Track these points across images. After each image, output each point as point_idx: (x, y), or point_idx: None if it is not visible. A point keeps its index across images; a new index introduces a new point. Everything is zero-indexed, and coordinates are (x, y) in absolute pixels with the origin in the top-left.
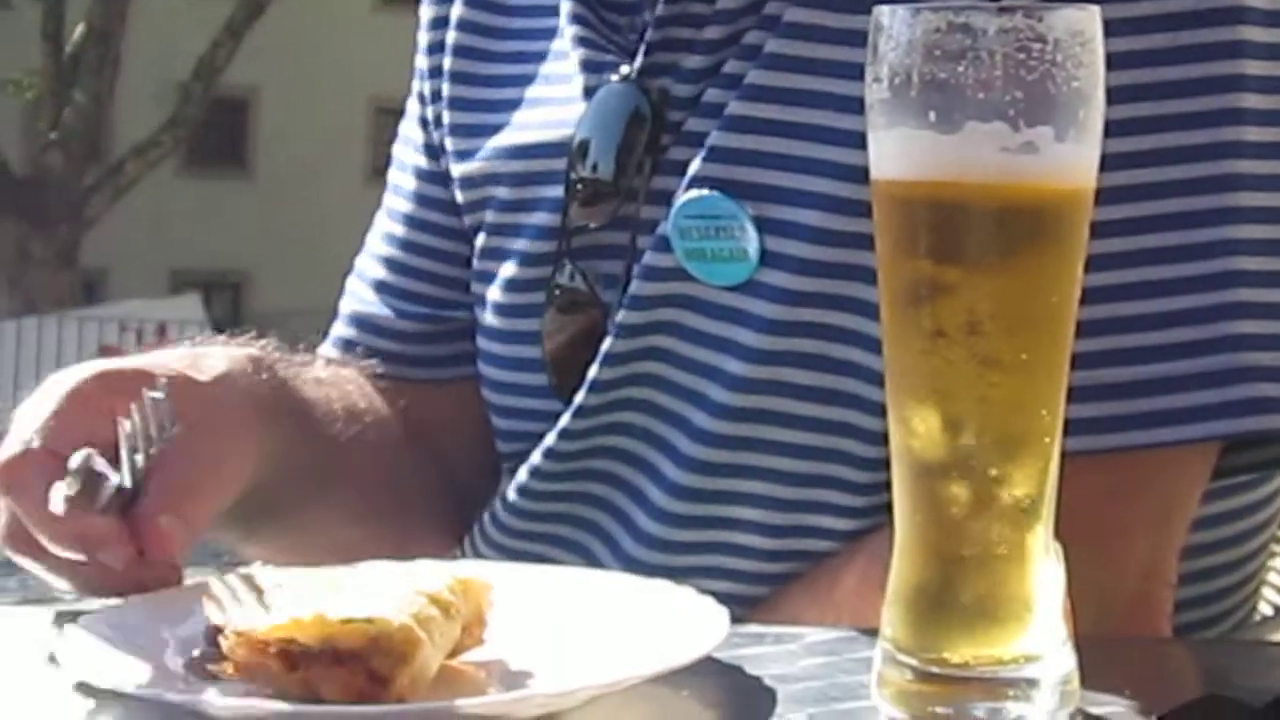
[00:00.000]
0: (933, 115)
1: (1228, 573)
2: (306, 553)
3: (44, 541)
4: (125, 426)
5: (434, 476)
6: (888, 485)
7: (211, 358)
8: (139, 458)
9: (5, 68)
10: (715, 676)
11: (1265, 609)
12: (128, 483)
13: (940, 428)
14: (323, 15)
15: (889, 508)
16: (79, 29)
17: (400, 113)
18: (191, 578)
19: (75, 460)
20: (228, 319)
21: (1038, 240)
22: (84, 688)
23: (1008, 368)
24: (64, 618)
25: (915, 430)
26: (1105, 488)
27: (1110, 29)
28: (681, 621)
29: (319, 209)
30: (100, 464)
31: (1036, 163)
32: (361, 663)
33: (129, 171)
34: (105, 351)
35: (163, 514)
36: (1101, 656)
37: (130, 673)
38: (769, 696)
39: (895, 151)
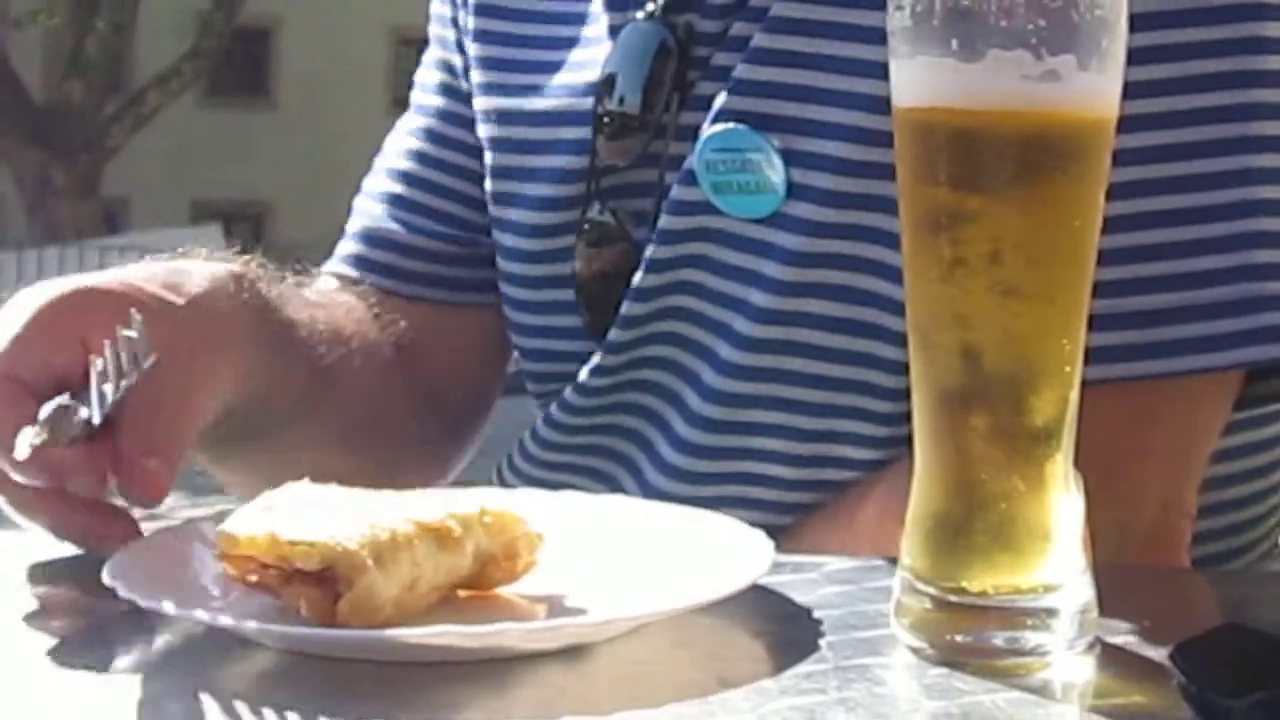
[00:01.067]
0: (955, 43)
1: (1249, 505)
2: (284, 480)
3: (9, 472)
4: (97, 365)
5: (423, 406)
6: (909, 416)
7: (192, 275)
8: (109, 388)
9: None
10: (747, 610)
11: None
12: (96, 419)
13: (960, 356)
14: None
15: (910, 439)
16: None
17: (421, 42)
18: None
19: (45, 411)
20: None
21: (1059, 169)
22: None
23: (1028, 296)
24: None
25: (935, 359)
26: (1124, 417)
27: None
28: (724, 550)
29: (340, 140)
30: (65, 398)
31: (1059, 91)
32: (331, 585)
33: (150, 101)
34: None
35: (145, 455)
36: (1119, 586)
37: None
38: (806, 622)
39: (917, 79)
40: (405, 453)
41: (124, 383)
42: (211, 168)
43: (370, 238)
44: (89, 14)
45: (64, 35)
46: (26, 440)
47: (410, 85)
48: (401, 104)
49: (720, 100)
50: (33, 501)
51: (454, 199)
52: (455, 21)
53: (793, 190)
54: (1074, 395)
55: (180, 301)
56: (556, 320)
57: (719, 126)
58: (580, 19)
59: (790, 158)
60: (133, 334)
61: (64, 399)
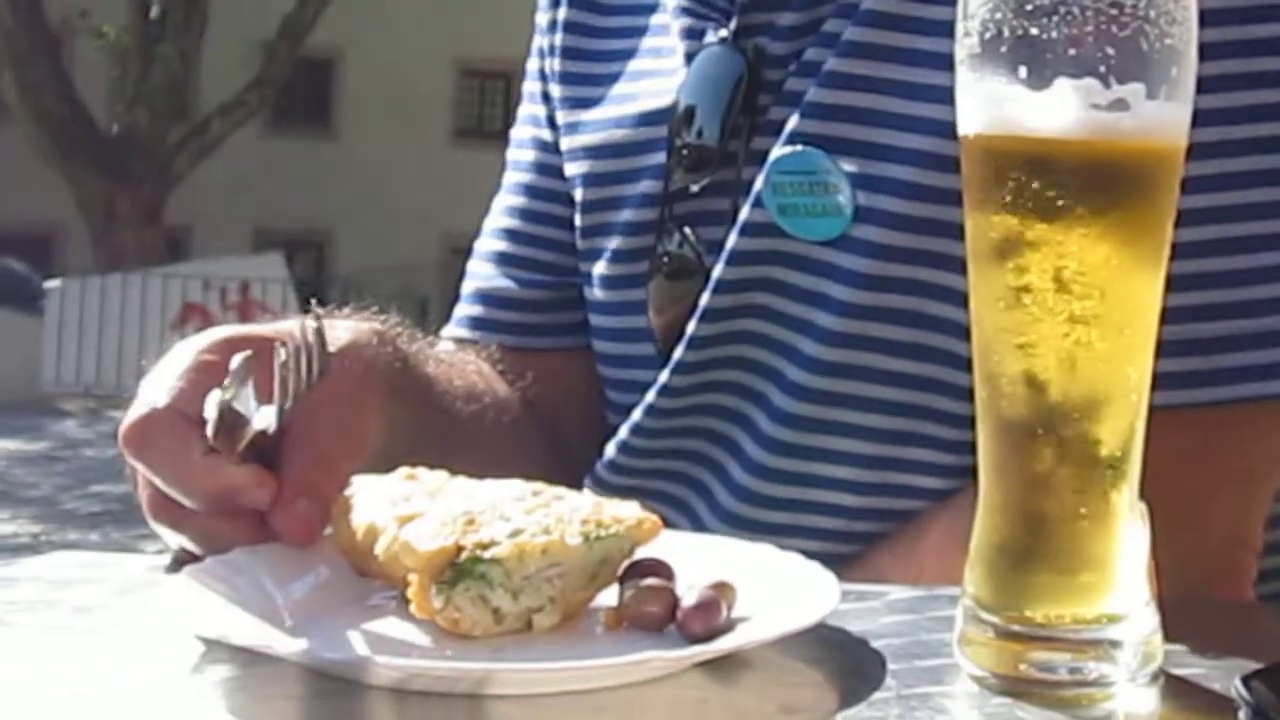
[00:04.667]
0: (1023, 71)
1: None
2: None
3: (182, 498)
4: (280, 354)
5: (551, 453)
6: (974, 446)
7: (336, 329)
8: (290, 391)
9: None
10: (806, 639)
11: None
12: (274, 425)
13: (1025, 384)
14: None
15: (976, 468)
16: None
17: (484, 74)
18: None
19: (235, 362)
20: (310, 278)
21: (1127, 198)
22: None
23: (1094, 324)
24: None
25: (1000, 387)
26: (1188, 448)
27: None
28: (791, 586)
29: (402, 169)
30: (241, 406)
31: (1128, 120)
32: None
33: (214, 130)
34: (189, 309)
35: (300, 496)
36: (1184, 618)
37: (237, 623)
38: (868, 651)
39: (984, 106)
40: None
41: (301, 389)
42: (274, 196)
43: (484, 298)
44: (154, 42)
45: (130, 64)
46: (214, 400)
47: (472, 117)
48: (463, 134)
49: (791, 123)
50: (208, 533)
51: (554, 248)
52: (542, 73)
53: (860, 213)
54: (1140, 425)
55: (332, 349)
56: (633, 348)
57: (787, 149)
58: (655, 52)
59: (858, 181)
60: (316, 325)
61: (249, 355)
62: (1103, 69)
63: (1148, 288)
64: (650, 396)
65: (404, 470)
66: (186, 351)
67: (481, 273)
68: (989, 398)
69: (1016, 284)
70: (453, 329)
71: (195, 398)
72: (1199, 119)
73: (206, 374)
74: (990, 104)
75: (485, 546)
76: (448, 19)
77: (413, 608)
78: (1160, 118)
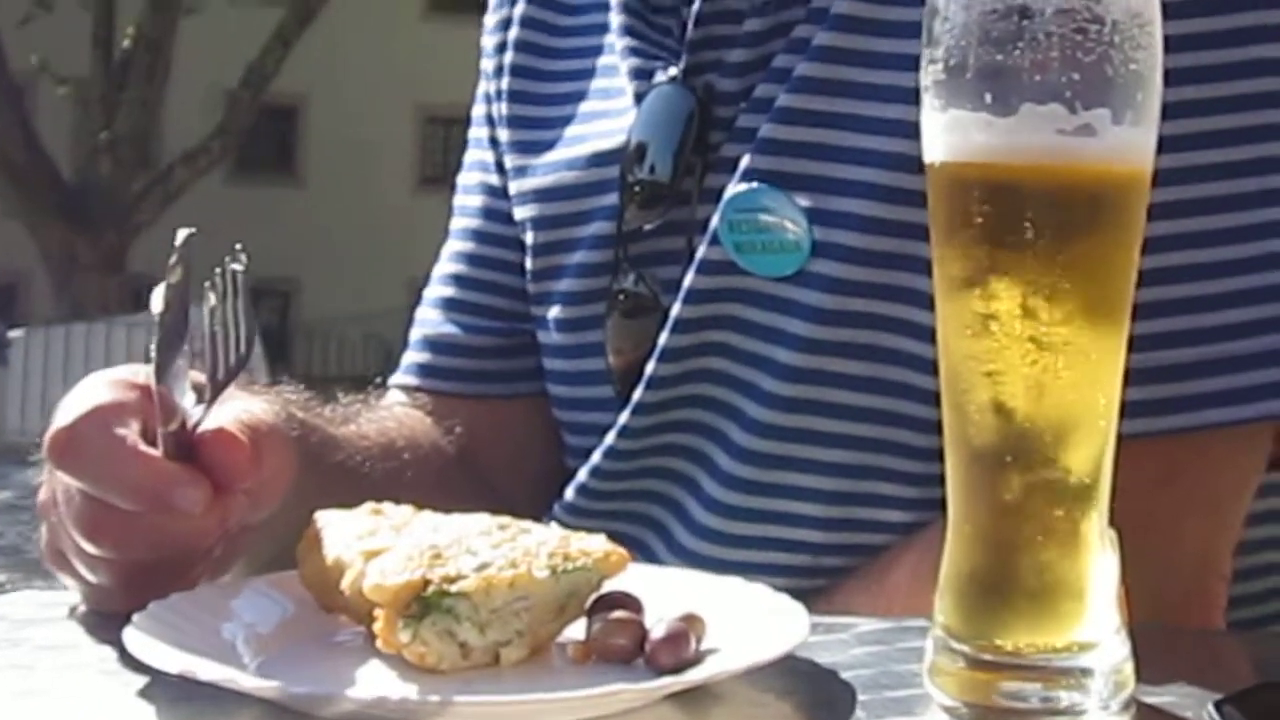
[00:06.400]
0: (988, 97)
1: (1278, 547)
2: None
3: (114, 498)
4: (210, 299)
5: (482, 505)
6: (941, 478)
7: (236, 398)
8: (219, 361)
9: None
10: (776, 671)
11: None
12: (200, 405)
13: (993, 412)
14: (371, 23)
15: (943, 500)
16: (128, 37)
17: (447, 121)
18: None
19: (180, 238)
20: (276, 326)
21: (1094, 223)
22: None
23: (1062, 352)
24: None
25: (968, 415)
26: (1156, 476)
27: (1168, 11)
28: (760, 615)
29: (367, 217)
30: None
31: (1093, 145)
32: None
33: (178, 178)
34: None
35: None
36: (1155, 646)
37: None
38: (838, 683)
39: (950, 134)
40: None
41: (232, 356)
42: (238, 244)
43: (430, 344)
44: (117, 91)
45: (93, 112)
46: (160, 293)
47: (436, 164)
48: (429, 181)
49: (745, 161)
50: (113, 572)
51: (502, 293)
52: (489, 118)
53: (817, 248)
54: (1109, 452)
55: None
56: (591, 391)
57: (742, 186)
58: (604, 93)
59: (815, 216)
60: (240, 268)
61: (193, 233)
62: (1068, 94)
63: (1116, 313)
64: (609, 438)
65: (369, 505)
66: (104, 375)
67: (429, 319)
68: (957, 426)
69: (984, 311)
70: (399, 377)
71: (119, 406)
72: (1162, 145)
73: (124, 390)
74: (955, 131)
75: (452, 580)
76: (410, 66)
77: (379, 642)
78: (1126, 142)
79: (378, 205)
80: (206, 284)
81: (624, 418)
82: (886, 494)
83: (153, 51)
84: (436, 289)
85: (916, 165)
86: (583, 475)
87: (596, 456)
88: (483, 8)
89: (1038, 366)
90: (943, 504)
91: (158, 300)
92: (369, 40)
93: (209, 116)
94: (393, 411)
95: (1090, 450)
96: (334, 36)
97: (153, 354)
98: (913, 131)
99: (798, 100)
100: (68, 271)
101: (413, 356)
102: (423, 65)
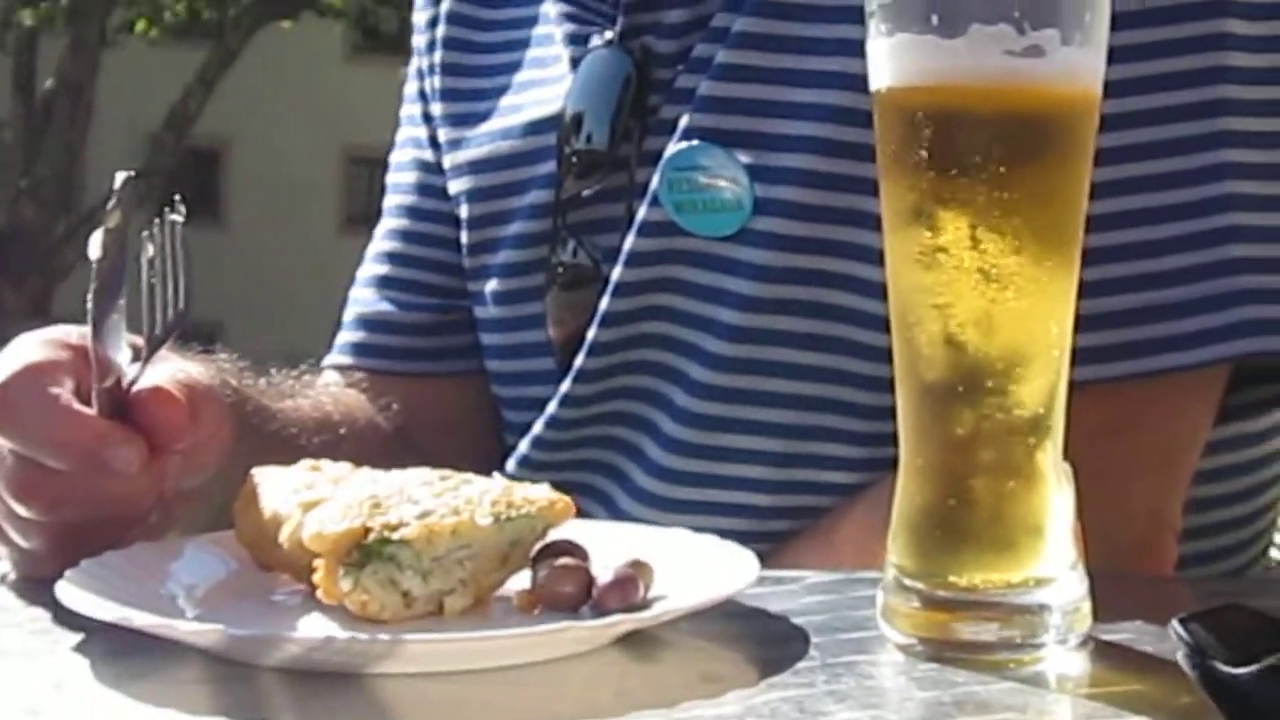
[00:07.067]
0: (935, 19)
1: (1229, 505)
2: None
3: (48, 457)
4: (147, 250)
5: None
6: (887, 438)
7: (171, 359)
8: (158, 305)
9: None
10: (725, 618)
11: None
12: (135, 364)
13: (944, 345)
14: (294, 65)
15: (890, 463)
16: (50, 80)
17: (372, 162)
18: None
19: (118, 181)
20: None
21: (1044, 148)
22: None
23: (1012, 282)
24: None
25: (918, 349)
26: (1106, 425)
27: None
28: (708, 562)
29: (292, 258)
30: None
31: (1042, 66)
32: None
33: (95, 226)
34: None
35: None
36: (1107, 590)
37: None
38: (789, 627)
39: (896, 58)
40: None
41: (169, 311)
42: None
43: (364, 323)
44: (39, 136)
45: (14, 156)
46: (98, 238)
47: (361, 204)
48: (353, 221)
49: (684, 120)
50: (40, 532)
51: (437, 269)
52: (422, 93)
53: (759, 205)
54: (1063, 384)
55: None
56: (530, 364)
57: (681, 144)
58: (540, 62)
59: (755, 173)
60: (178, 219)
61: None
62: (1016, 14)
63: (1067, 243)
64: (551, 407)
65: (307, 462)
66: (29, 338)
67: (362, 298)
68: (907, 361)
69: (932, 243)
70: (334, 357)
71: (52, 365)
72: (1106, 90)
73: (57, 349)
74: (902, 55)
75: (393, 528)
76: (334, 107)
77: (320, 593)
78: (1075, 64)
79: (302, 246)
80: (144, 234)
81: (565, 386)
82: (833, 455)
83: (74, 94)
84: (370, 267)
85: (858, 118)
86: (524, 446)
87: (538, 426)
88: (403, 49)
89: (987, 298)
90: (888, 464)
91: (95, 246)
92: (291, 82)
93: (133, 160)
94: (328, 389)
95: (1043, 381)
96: (256, 79)
97: (89, 304)
98: (853, 84)
99: (737, 56)
100: None
101: (347, 336)
102: (346, 106)
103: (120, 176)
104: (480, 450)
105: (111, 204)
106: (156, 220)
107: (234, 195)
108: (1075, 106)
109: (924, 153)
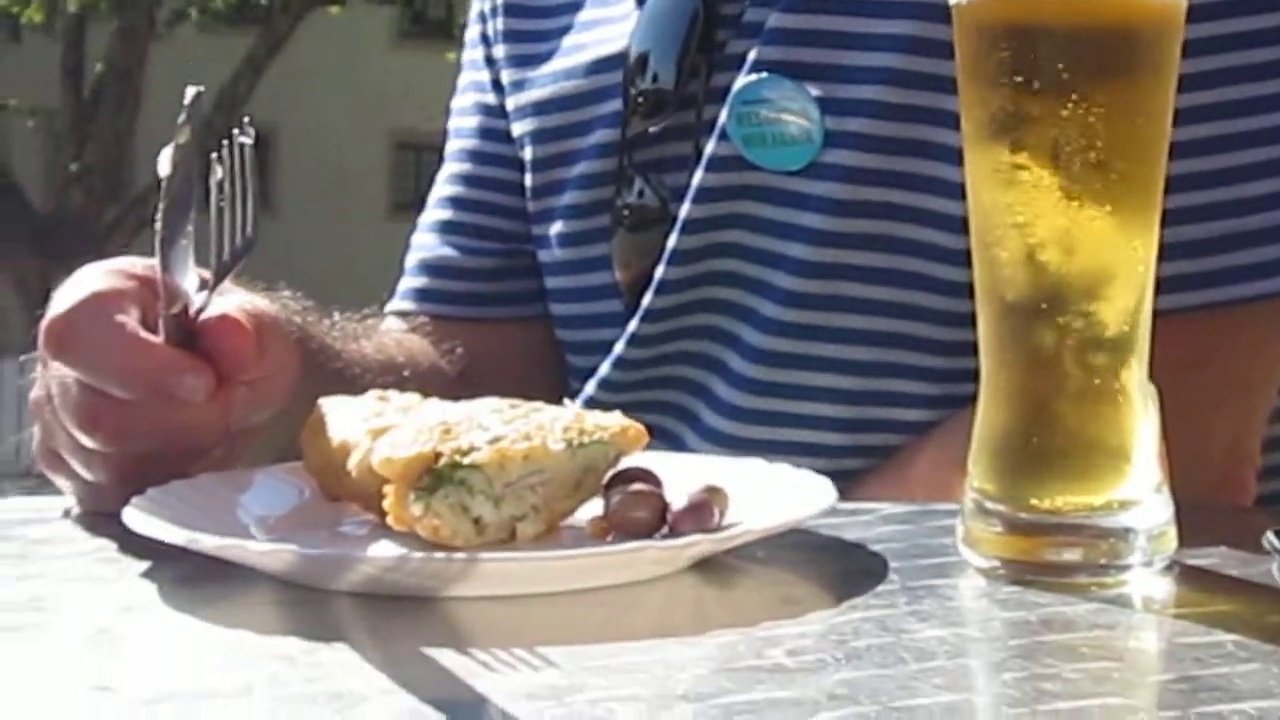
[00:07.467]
0: None
1: None
2: None
3: (114, 387)
4: (216, 172)
5: None
6: (960, 375)
7: (237, 291)
8: (226, 231)
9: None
10: (801, 546)
11: None
12: (203, 292)
13: (1024, 263)
14: (340, 50)
15: (964, 399)
16: (99, 65)
17: (418, 147)
18: None
19: (189, 96)
20: None
21: (1126, 61)
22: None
23: (1094, 199)
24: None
25: (999, 270)
26: (1187, 358)
27: None
28: (783, 489)
29: (342, 244)
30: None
31: None
32: None
33: (151, 206)
34: None
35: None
36: (1190, 520)
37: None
38: (867, 553)
39: None
40: None
41: (238, 237)
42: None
43: (427, 268)
44: (88, 121)
45: (64, 143)
46: (167, 155)
47: (408, 190)
48: (401, 207)
49: (754, 53)
50: (109, 466)
51: (500, 214)
52: (484, 37)
53: (829, 138)
54: (1148, 303)
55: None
56: (596, 306)
57: (751, 77)
58: (605, 0)
59: (826, 105)
60: (248, 141)
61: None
62: None
63: (1151, 157)
64: (619, 348)
65: (374, 392)
66: (94, 268)
67: (425, 244)
68: (988, 281)
69: (1011, 160)
70: (396, 303)
71: (117, 294)
72: (1191, 14)
73: (122, 278)
74: None
75: (465, 453)
76: (381, 93)
77: (390, 519)
78: None
79: (352, 233)
80: (214, 156)
81: (633, 325)
82: (906, 392)
83: (123, 81)
84: (433, 213)
85: (930, 48)
86: (590, 388)
87: (605, 368)
88: (450, 35)
89: (1068, 216)
90: (967, 400)
91: (164, 163)
92: (340, 67)
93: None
94: (391, 334)
95: (1127, 300)
96: (304, 64)
97: (157, 224)
98: (924, 13)
99: None
100: (41, 303)
101: (409, 282)
102: (394, 91)
103: (191, 91)
104: (545, 396)
105: (182, 119)
106: (225, 142)
107: (283, 182)
108: (1158, 18)
109: (1003, 67)
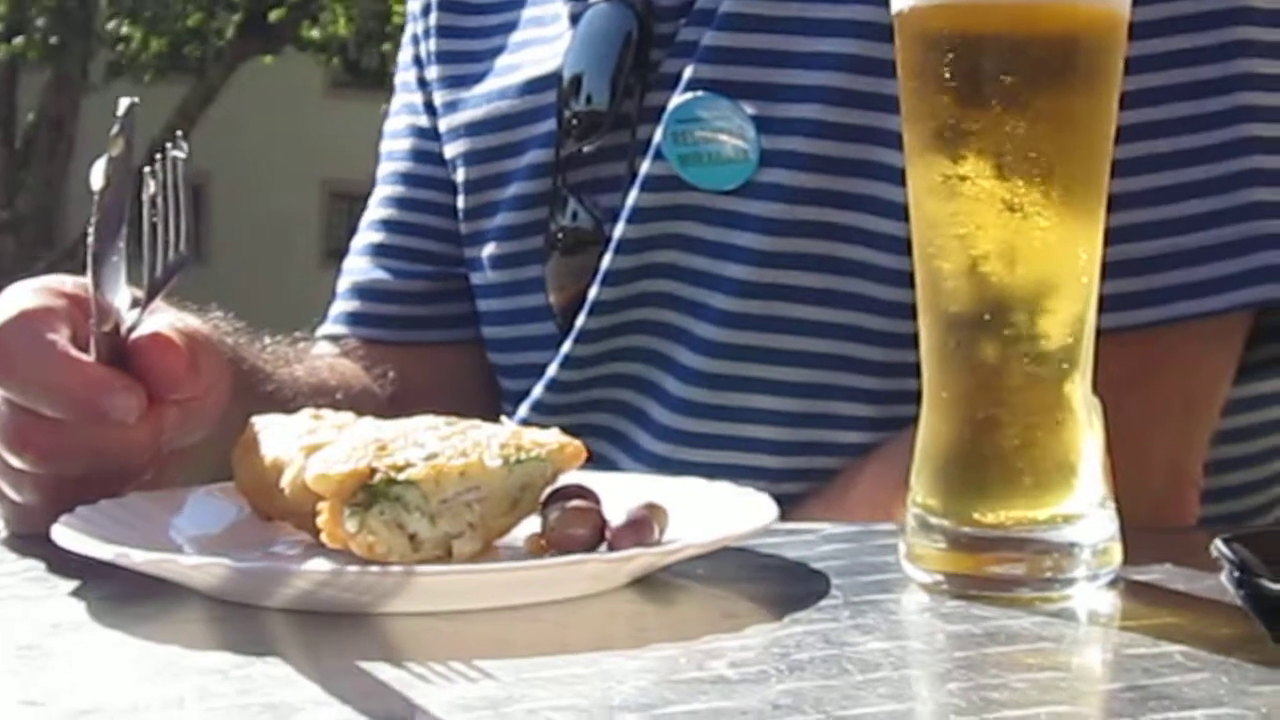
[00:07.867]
0: None
1: (1249, 467)
2: None
3: (45, 405)
4: (149, 186)
5: None
6: (902, 396)
7: (169, 310)
8: (159, 246)
9: None
10: (742, 563)
11: None
12: (134, 310)
13: (967, 276)
14: (275, 99)
15: (903, 421)
16: (30, 115)
17: (352, 197)
18: None
19: (122, 107)
20: None
21: (1069, 70)
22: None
23: (1037, 209)
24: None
25: (943, 280)
26: (1127, 376)
27: None
28: (722, 507)
29: (275, 292)
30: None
31: None
32: None
33: (81, 256)
34: None
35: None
36: (1132, 539)
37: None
38: (809, 571)
39: None
40: None
41: (170, 254)
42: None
43: (359, 291)
44: (21, 169)
45: None
46: (100, 167)
47: (342, 239)
48: (334, 256)
49: (689, 71)
50: (36, 484)
51: (433, 236)
52: (417, 59)
53: (765, 157)
54: (1092, 315)
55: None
56: (529, 329)
57: (686, 95)
58: (538, 20)
59: (762, 124)
60: (182, 155)
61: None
62: None
63: (1095, 166)
64: (552, 370)
65: (308, 410)
66: (23, 285)
67: (357, 267)
68: (930, 295)
69: (954, 171)
70: (328, 327)
71: (47, 311)
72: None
73: (52, 296)
74: None
75: (400, 469)
76: (315, 142)
77: (324, 536)
78: None
79: (284, 282)
80: (146, 170)
81: (566, 347)
82: (846, 414)
83: (55, 130)
84: (365, 236)
85: (872, 66)
86: (523, 411)
87: (538, 390)
88: (384, 85)
89: (1010, 227)
90: (906, 422)
91: (97, 176)
92: (273, 117)
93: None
94: (323, 358)
95: (1071, 311)
96: (238, 113)
97: (89, 239)
98: (866, 32)
99: (742, 6)
100: None
101: (341, 306)
102: (327, 141)
103: (124, 103)
104: (478, 419)
105: (115, 131)
106: (158, 156)
107: (215, 230)
108: (1101, 27)
109: (945, 76)
